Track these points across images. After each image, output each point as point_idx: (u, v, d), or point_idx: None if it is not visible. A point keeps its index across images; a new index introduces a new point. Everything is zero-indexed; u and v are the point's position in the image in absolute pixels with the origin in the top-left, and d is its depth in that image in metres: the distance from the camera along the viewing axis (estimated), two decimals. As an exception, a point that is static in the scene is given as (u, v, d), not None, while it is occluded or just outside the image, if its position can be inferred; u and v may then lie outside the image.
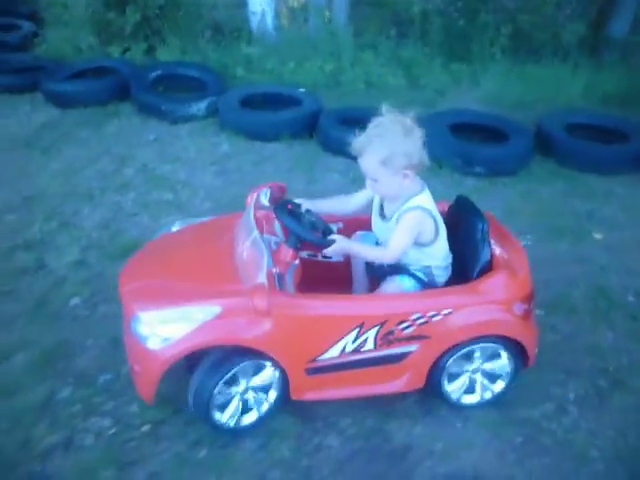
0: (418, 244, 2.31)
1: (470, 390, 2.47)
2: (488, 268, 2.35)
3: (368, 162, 2.20)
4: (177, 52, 6.25)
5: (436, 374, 2.36)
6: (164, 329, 2.12)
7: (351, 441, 2.35)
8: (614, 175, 4.39)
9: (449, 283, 2.45)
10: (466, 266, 2.39)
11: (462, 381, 2.45)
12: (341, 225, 2.63)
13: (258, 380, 2.28)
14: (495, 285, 2.30)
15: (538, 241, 3.61)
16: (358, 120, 4.44)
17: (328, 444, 2.33)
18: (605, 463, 2.30)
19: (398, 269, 2.39)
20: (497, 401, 2.49)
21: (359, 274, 2.62)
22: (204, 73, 5.35)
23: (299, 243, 2.24)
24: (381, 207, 2.41)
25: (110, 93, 5.13)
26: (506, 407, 2.50)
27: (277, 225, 2.40)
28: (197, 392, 2.19)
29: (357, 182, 4.12)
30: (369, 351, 2.25)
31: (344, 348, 2.23)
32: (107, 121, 4.87)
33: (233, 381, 2.23)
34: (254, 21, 6.98)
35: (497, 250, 2.43)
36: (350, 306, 2.27)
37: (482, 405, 2.49)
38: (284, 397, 2.33)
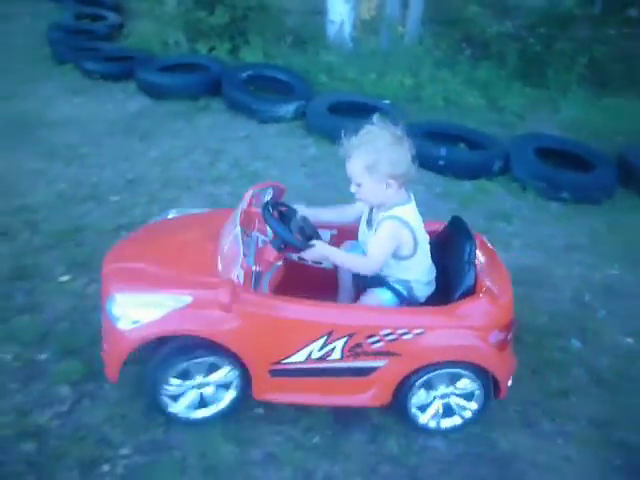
0: (397, 257, 2.30)
1: (448, 414, 2.42)
2: (471, 291, 2.29)
3: (354, 166, 2.21)
4: (259, 54, 6.43)
5: (403, 392, 2.32)
6: (135, 312, 2.17)
7: (455, 444, 2.42)
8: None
9: (431, 300, 2.41)
10: (450, 286, 2.36)
11: (435, 407, 2.40)
12: (335, 232, 2.63)
13: (217, 377, 2.29)
14: (473, 310, 2.24)
15: (625, 271, 3.64)
16: (441, 135, 4.65)
17: (433, 445, 2.41)
18: None
19: (379, 281, 2.38)
20: (598, 421, 2.53)
21: (345, 283, 2.60)
22: (292, 77, 5.51)
23: (283, 245, 2.25)
24: (370, 215, 2.40)
25: (201, 88, 5.31)
26: (607, 427, 2.54)
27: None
28: (146, 381, 2.25)
29: (444, 198, 4.23)
30: (335, 361, 2.23)
31: (310, 354, 2.21)
32: (199, 115, 5.05)
33: (186, 375, 2.26)
34: (332, 30, 7.14)
35: (483, 274, 2.36)
36: (319, 313, 2.22)
37: (466, 426, 2.44)
38: (245, 396, 2.34)
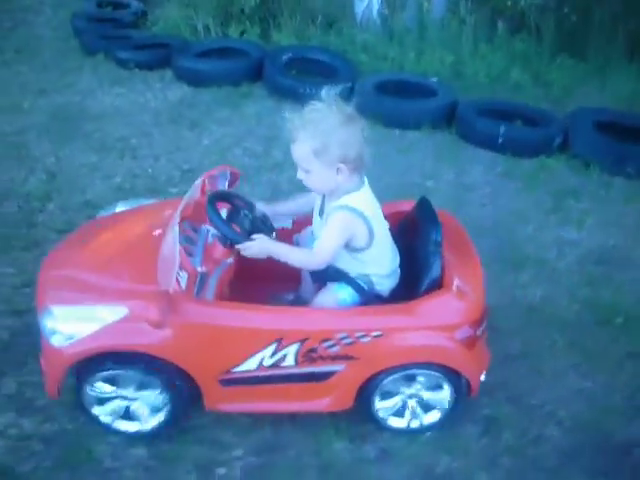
0: (351, 249, 2.09)
1: (399, 414, 2.27)
2: (437, 284, 2.10)
3: (300, 150, 1.97)
4: (291, 36, 6.27)
5: (366, 396, 2.17)
6: (70, 326, 2.00)
7: (571, 433, 2.36)
8: None
9: (396, 292, 2.24)
10: (416, 277, 2.16)
11: (394, 402, 2.24)
12: (289, 225, 2.45)
13: (146, 396, 2.13)
14: (437, 308, 2.06)
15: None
16: (496, 112, 4.52)
17: (549, 434, 2.35)
18: None
19: (337, 275, 2.16)
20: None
21: (307, 276, 2.40)
22: (333, 58, 5.36)
23: (228, 240, 2.05)
24: (322, 203, 2.18)
25: (242, 74, 5.17)
26: None
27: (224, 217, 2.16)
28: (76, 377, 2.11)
29: (507, 177, 4.12)
30: (290, 367, 2.06)
31: (261, 362, 2.04)
32: (243, 101, 4.92)
33: (113, 381, 2.10)
34: (359, 7, 6.96)
35: (452, 262, 2.16)
36: (265, 319, 2.04)
37: (407, 432, 2.30)
38: (176, 419, 2.20)
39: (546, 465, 2.23)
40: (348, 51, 5.91)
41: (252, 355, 2.03)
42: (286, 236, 2.37)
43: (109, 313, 1.98)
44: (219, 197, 2.15)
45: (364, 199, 2.06)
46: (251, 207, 2.19)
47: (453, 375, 2.15)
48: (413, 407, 2.25)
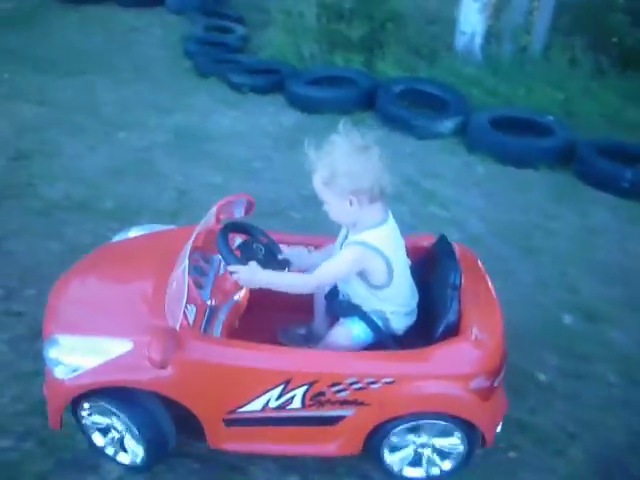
0: (369, 285, 2.05)
1: (416, 463, 2.18)
2: (454, 330, 2.03)
3: (314, 181, 1.98)
4: (395, 66, 6.35)
5: (375, 442, 2.09)
6: (73, 358, 1.98)
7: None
8: None
9: (411, 332, 2.17)
10: (432, 319, 2.10)
11: (406, 452, 2.16)
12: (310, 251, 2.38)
13: (129, 440, 2.11)
14: (452, 356, 1.98)
15: None
16: (618, 153, 4.39)
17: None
18: None
19: (352, 310, 2.12)
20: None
21: (320, 309, 2.36)
22: (446, 91, 5.38)
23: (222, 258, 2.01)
24: (346, 236, 2.13)
25: (353, 102, 5.27)
26: None
27: (236, 244, 2.14)
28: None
29: (634, 222, 3.98)
30: (296, 410, 2.00)
31: (267, 403, 1.99)
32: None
33: (107, 413, 2.06)
34: (461, 40, 6.97)
35: (470, 306, 2.07)
36: (273, 360, 1.98)
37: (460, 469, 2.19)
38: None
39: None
40: (455, 84, 5.92)
41: (258, 396, 1.99)
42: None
43: (115, 346, 1.96)
44: (234, 226, 2.15)
45: (385, 236, 2.01)
46: (267, 239, 2.16)
47: (466, 425, 2.06)
48: (429, 455, 2.18)
